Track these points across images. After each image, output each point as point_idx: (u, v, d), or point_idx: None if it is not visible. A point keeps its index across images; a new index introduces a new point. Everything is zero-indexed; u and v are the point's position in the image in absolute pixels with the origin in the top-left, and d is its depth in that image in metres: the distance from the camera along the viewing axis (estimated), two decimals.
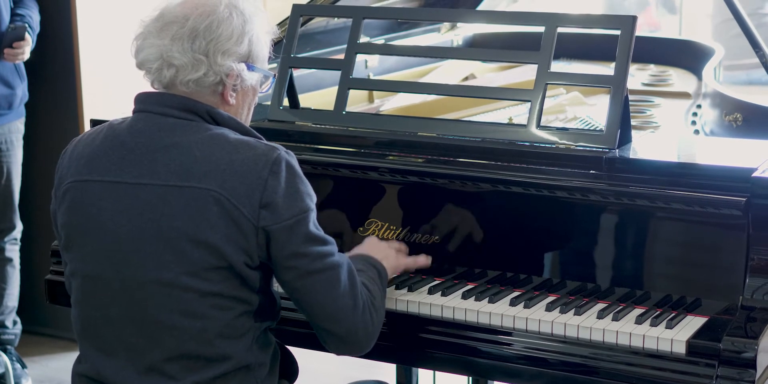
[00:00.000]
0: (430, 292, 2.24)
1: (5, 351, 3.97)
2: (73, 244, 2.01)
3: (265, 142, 1.99)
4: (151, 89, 2.04)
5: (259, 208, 1.91)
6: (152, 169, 1.94)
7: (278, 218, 1.92)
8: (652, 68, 3.57)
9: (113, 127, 2.02)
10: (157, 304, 1.93)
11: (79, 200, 1.99)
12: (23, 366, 4.03)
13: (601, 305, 2.16)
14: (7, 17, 3.79)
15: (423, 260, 2.30)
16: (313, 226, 1.97)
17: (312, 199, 1.97)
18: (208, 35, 1.96)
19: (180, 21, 1.96)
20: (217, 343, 1.94)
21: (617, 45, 2.27)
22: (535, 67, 2.35)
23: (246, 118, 2.09)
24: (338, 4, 2.93)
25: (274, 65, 2.66)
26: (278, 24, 2.84)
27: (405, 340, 2.21)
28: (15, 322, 4.05)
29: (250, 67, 2.02)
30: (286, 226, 1.92)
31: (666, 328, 2.04)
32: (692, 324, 2.06)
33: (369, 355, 2.31)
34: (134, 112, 2.02)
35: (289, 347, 2.25)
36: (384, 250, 2.22)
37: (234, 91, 2.02)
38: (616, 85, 2.27)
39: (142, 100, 2.02)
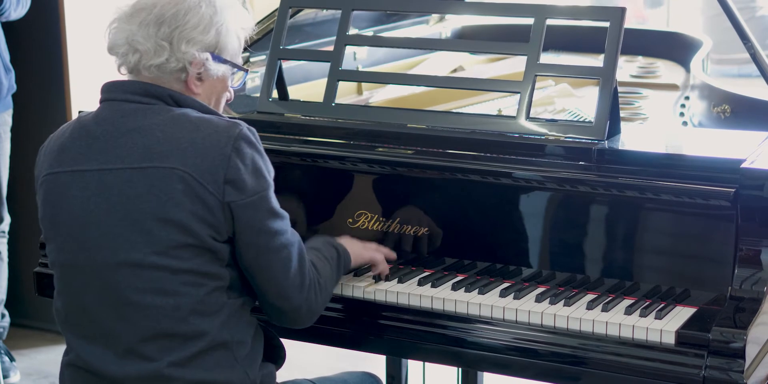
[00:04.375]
0: (420, 283, 2.25)
1: None
2: (50, 236, 2.05)
3: (227, 118, 2.02)
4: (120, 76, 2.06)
5: (223, 184, 1.94)
6: (117, 154, 1.97)
7: (243, 194, 1.95)
8: (640, 60, 3.57)
9: (81, 119, 2.06)
10: (130, 286, 1.96)
11: (51, 192, 2.03)
12: (11, 359, 4.01)
13: (590, 296, 2.16)
14: None
15: (391, 255, 2.30)
16: (274, 201, 2.00)
17: (271, 174, 2.02)
18: (173, 23, 1.99)
19: (149, 8, 2.01)
20: (191, 320, 1.96)
21: (606, 37, 2.28)
22: (523, 59, 2.35)
23: (216, 109, 2.09)
24: None
25: (263, 57, 2.65)
26: (267, 16, 2.84)
27: (395, 332, 2.21)
28: (3, 315, 4.03)
29: (216, 58, 2.03)
30: (251, 202, 1.96)
31: (655, 318, 2.05)
32: (681, 314, 2.07)
33: (359, 347, 2.32)
34: (100, 101, 2.06)
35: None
36: (351, 241, 2.25)
37: (199, 80, 2.04)
38: (605, 77, 2.27)
39: (106, 89, 2.05)
